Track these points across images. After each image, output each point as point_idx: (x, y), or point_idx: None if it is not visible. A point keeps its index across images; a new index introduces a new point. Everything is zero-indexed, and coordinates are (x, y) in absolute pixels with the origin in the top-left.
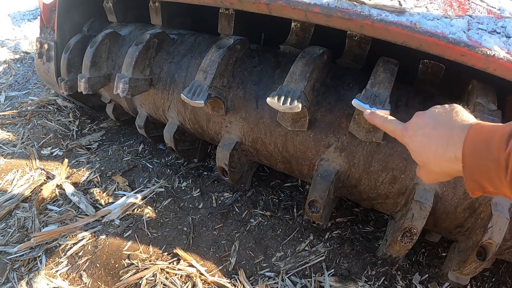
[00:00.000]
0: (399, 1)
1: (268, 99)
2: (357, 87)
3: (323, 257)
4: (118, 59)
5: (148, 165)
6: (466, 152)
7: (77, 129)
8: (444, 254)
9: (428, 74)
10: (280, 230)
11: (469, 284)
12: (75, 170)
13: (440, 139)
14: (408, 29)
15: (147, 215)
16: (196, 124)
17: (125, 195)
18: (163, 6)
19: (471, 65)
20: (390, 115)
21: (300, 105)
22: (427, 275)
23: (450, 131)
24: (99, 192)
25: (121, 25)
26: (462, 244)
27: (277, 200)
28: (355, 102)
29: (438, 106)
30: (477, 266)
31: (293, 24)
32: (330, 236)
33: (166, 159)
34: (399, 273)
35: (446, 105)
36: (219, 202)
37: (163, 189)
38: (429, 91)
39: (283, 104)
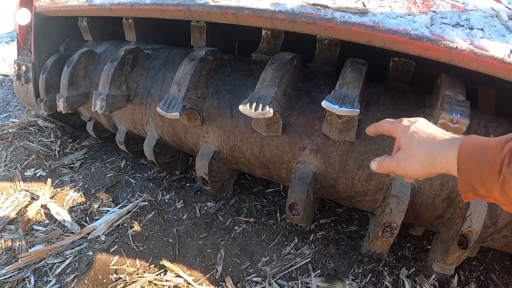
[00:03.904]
0: (363, 2)
1: (241, 107)
2: (328, 89)
3: (309, 259)
4: (95, 77)
5: (131, 180)
6: (461, 157)
7: (59, 149)
8: (429, 247)
9: (399, 72)
10: (264, 235)
11: (456, 274)
12: (59, 189)
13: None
14: (371, 29)
15: (132, 229)
16: (175, 136)
17: (109, 210)
18: (136, 23)
19: (435, 59)
20: (361, 113)
21: (271, 110)
22: (413, 269)
23: (438, 141)
24: (84, 210)
25: (96, 43)
26: (444, 235)
27: (260, 206)
28: (324, 103)
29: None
30: (460, 255)
31: (263, 32)
32: (314, 237)
33: (149, 173)
34: (386, 269)
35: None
36: (203, 212)
37: (146, 203)
38: (400, 88)
39: (255, 110)
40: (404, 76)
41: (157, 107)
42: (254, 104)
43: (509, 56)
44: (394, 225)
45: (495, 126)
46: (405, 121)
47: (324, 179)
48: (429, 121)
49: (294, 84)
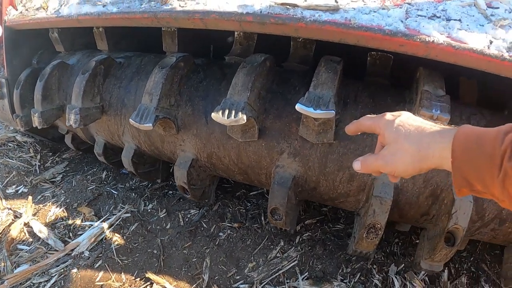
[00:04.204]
0: None
1: (213, 114)
2: (304, 90)
3: (296, 262)
4: (69, 89)
5: (113, 191)
6: (456, 149)
7: (39, 164)
8: (417, 241)
9: (377, 66)
10: (249, 240)
11: (446, 268)
12: (41, 205)
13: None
14: (342, 26)
15: (116, 243)
16: (152, 146)
17: (92, 225)
18: (107, 31)
19: (412, 54)
20: (339, 113)
21: (244, 117)
22: (403, 265)
23: (427, 133)
24: (67, 226)
25: (69, 53)
26: (431, 232)
27: (244, 210)
28: (298, 107)
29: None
30: (447, 252)
31: (236, 33)
32: (300, 239)
33: (130, 183)
34: (374, 266)
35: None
36: (186, 220)
37: (129, 214)
38: (378, 83)
39: (227, 117)
40: (383, 71)
41: (130, 119)
42: (227, 111)
43: (488, 48)
44: (378, 226)
45: (477, 118)
46: (388, 115)
47: (305, 182)
48: None
49: (268, 87)
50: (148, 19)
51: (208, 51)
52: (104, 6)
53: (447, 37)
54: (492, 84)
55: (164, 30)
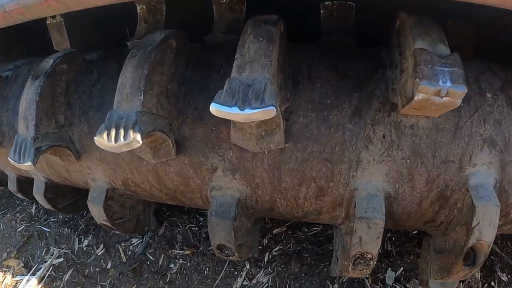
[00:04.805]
0: None
1: (96, 139)
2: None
3: None
4: None
5: (45, 229)
6: None
7: None
8: (415, 232)
9: (334, 21)
10: (207, 269)
11: None
12: None
13: None
14: None
15: None
16: (61, 177)
17: (22, 280)
18: None
19: None
20: (288, 100)
21: (138, 137)
22: (401, 268)
23: None
24: None
25: None
26: (438, 241)
27: (196, 228)
28: (214, 108)
29: None
30: (467, 273)
31: (138, 8)
32: (270, 256)
33: (63, 214)
34: (367, 276)
35: None
36: (129, 253)
37: (62, 259)
38: (340, 44)
39: (115, 140)
40: (344, 25)
41: (9, 158)
42: (113, 131)
43: None
44: (369, 256)
45: (488, 78)
46: None
47: (256, 203)
48: (396, 92)
49: (180, 76)
50: None
51: (124, 37)
52: None
53: None
54: (491, 27)
55: (49, 23)
